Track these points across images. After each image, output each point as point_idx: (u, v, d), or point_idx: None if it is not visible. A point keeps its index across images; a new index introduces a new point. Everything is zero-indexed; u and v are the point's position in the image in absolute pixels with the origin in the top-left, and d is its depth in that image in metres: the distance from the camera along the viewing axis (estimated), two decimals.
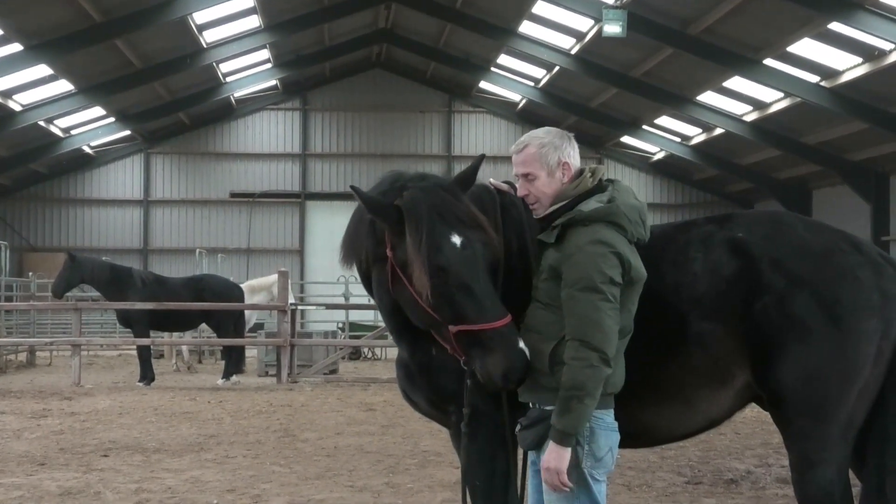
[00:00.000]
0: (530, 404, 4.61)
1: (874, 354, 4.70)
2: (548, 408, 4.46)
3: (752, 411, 5.46)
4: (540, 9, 28.06)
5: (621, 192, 4.64)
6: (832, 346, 4.65)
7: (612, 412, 4.52)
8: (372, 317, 29.73)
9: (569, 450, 4.35)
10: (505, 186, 5.00)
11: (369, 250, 4.90)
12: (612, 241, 4.43)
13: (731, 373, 4.81)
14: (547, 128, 4.83)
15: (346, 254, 5.12)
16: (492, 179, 5.06)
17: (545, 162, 4.65)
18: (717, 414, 5.02)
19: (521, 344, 4.45)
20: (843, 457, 4.74)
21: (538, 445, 4.52)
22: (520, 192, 4.78)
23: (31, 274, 31.50)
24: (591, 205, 4.56)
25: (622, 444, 4.65)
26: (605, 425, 4.48)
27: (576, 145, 4.74)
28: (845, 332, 4.66)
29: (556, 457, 4.36)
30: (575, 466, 4.40)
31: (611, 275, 4.37)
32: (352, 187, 4.71)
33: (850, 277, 4.73)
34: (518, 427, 4.62)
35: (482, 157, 5.06)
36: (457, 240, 4.55)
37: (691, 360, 4.79)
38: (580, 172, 4.71)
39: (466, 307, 4.47)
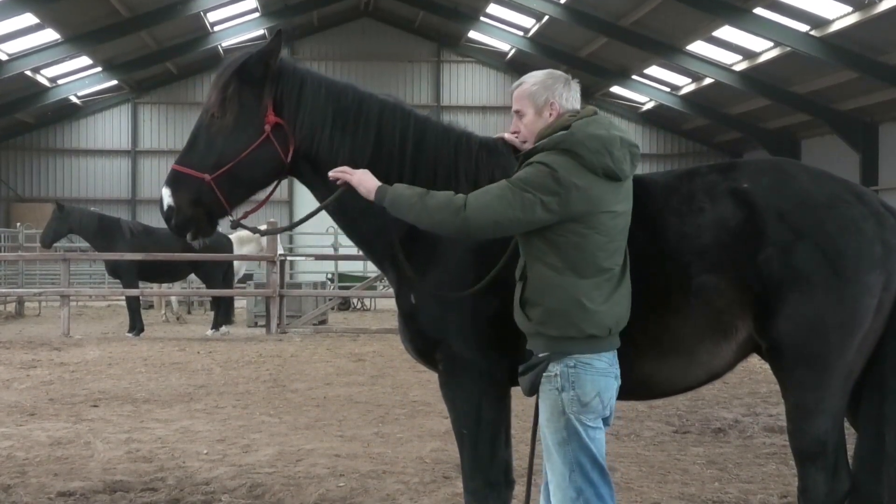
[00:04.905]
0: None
1: (875, 307, 4.70)
2: (541, 354, 4.45)
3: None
4: None
5: (587, 123, 4.46)
6: (834, 299, 4.65)
7: (603, 356, 4.42)
8: (361, 267, 29.71)
9: (369, 189, 4.61)
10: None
11: None
12: (554, 163, 4.31)
13: (734, 325, 4.78)
14: (550, 69, 4.73)
15: None
16: (506, 135, 4.96)
17: (534, 100, 4.56)
18: (719, 367, 4.98)
19: (164, 190, 4.99)
20: (840, 407, 4.77)
21: (533, 392, 4.51)
22: (511, 129, 4.74)
23: (18, 224, 31.42)
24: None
25: (621, 397, 4.60)
26: (593, 370, 4.40)
27: (574, 88, 4.60)
28: (847, 285, 4.65)
29: (360, 176, 4.67)
30: (561, 413, 4.39)
31: (536, 186, 4.28)
32: None
33: (852, 230, 4.70)
34: (520, 371, 4.61)
35: (279, 33, 5.09)
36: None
37: (694, 311, 4.76)
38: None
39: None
